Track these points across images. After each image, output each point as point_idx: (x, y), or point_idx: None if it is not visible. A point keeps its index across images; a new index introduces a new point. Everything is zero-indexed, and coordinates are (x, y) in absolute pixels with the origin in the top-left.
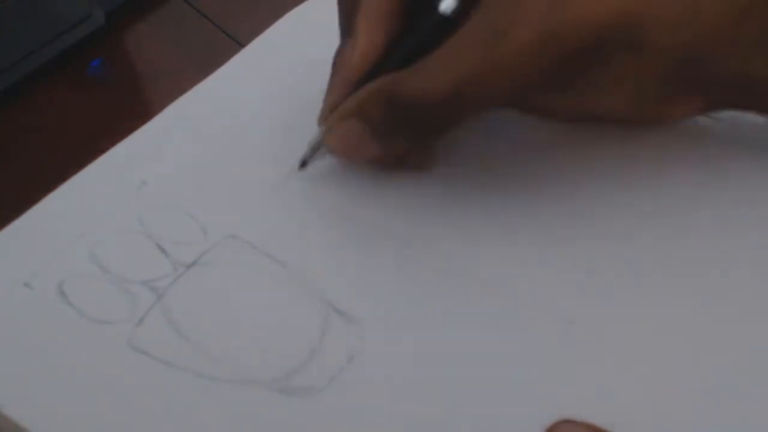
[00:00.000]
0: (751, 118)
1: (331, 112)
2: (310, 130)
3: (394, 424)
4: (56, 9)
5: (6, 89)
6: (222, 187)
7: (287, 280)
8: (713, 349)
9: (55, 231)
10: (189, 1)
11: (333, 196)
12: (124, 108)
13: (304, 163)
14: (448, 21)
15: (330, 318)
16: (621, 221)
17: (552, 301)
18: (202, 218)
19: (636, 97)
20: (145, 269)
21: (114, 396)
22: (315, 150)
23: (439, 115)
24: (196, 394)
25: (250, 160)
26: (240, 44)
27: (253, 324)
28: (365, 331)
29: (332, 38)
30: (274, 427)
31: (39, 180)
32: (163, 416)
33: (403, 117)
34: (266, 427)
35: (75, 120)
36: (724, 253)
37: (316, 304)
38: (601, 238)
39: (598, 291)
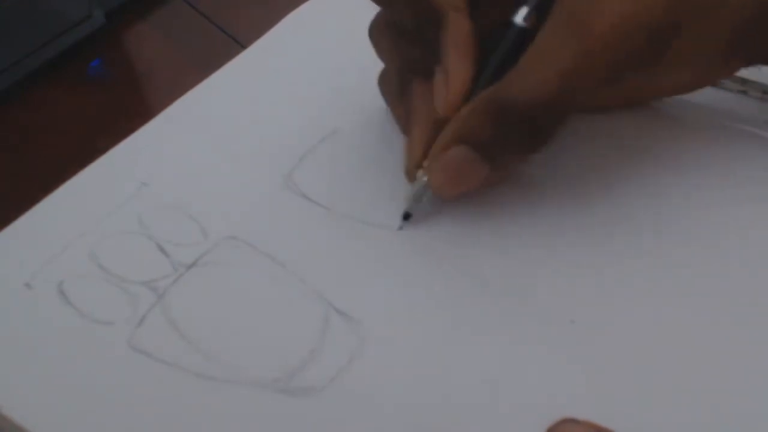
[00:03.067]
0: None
1: (423, 154)
2: (310, 130)
3: (394, 425)
4: (56, 9)
5: (6, 89)
6: (222, 187)
7: (287, 281)
8: (714, 349)
9: (55, 231)
10: (189, 1)
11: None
12: (124, 108)
13: (407, 216)
14: (526, 31)
15: (330, 318)
16: (622, 222)
17: (553, 301)
18: (202, 219)
19: (702, 65)
20: (145, 270)
21: (114, 396)
22: (419, 198)
23: (550, 113)
24: (196, 394)
25: (249, 160)
26: (240, 44)
27: (253, 324)
28: (365, 331)
29: (333, 40)
30: (274, 427)
31: (39, 180)
32: (164, 416)
33: (516, 128)
34: (266, 427)
35: (75, 120)
36: (725, 254)
37: (316, 304)
38: (603, 239)
39: (599, 291)
